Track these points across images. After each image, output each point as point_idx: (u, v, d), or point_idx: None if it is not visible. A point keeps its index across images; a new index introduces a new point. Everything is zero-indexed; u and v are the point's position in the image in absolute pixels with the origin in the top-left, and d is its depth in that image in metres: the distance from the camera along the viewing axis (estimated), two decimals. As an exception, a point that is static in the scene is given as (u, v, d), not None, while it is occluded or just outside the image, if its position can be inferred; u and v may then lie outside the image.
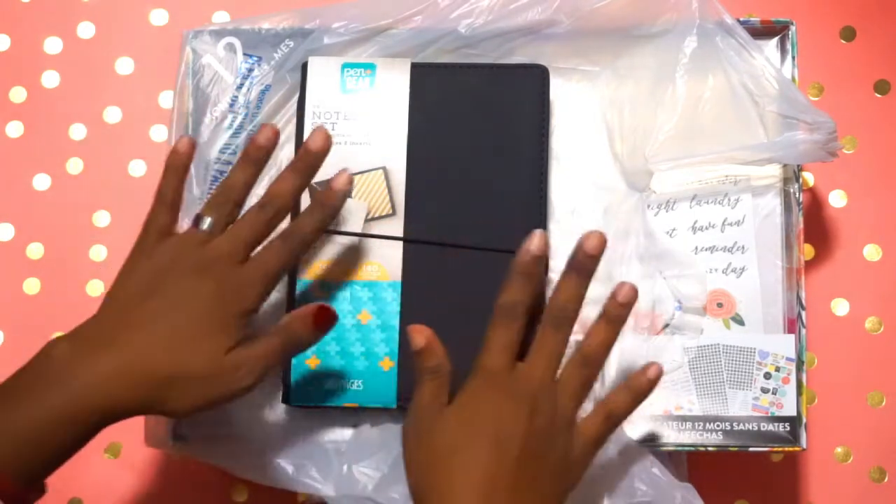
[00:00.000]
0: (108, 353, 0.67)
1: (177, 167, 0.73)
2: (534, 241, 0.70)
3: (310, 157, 0.72)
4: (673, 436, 0.78)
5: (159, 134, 0.92)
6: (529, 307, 0.70)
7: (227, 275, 0.69)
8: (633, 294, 0.70)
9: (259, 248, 0.71)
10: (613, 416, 0.71)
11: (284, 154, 0.84)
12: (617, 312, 0.70)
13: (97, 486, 0.88)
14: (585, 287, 0.70)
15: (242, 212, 0.72)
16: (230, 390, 0.69)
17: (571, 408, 0.69)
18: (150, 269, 0.70)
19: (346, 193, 0.73)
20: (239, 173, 0.72)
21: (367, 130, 0.81)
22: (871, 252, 0.88)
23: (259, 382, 0.70)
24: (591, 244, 0.69)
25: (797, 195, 0.81)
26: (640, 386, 0.71)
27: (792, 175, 0.81)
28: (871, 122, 0.90)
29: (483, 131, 0.81)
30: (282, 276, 0.71)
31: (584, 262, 0.70)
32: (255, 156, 0.73)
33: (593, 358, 0.70)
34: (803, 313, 0.79)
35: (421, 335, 0.69)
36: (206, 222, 0.71)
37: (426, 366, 0.69)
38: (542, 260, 0.70)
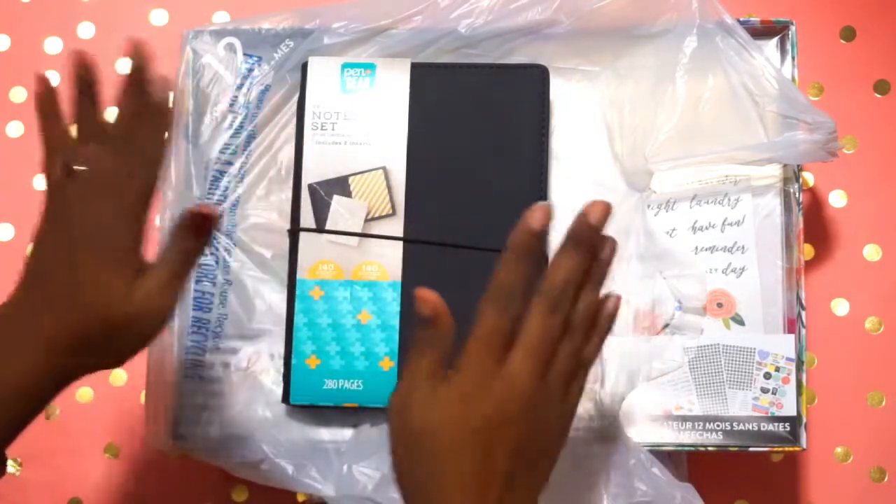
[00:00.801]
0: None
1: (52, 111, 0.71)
2: (535, 215, 0.62)
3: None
4: (673, 436, 0.78)
5: (159, 134, 0.92)
6: (525, 292, 0.63)
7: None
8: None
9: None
10: (585, 364, 0.66)
11: (284, 155, 0.84)
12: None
13: (97, 486, 0.88)
14: (587, 265, 0.63)
15: None
16: (154, 322, 0.67)
17: (564, 392, 0.64)
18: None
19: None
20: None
21: (367, 130, 0.81)
22: (871, 252, 0.88)
23: (174, 305, 0.67)
24: (596, 214, 0.62)
25: (797, 195, 0.81)
26: (601, 324, 0.66)
27: (792, 175, 0.81)
28: (871, 122, 0.90)
29: (483, 131, 0.81)
30: None
31: (587, 235, 0.63)
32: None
33: (582, 331, 0.65)
34: (803, 313, 0.79)
35: (428, 304, 0.62)
36: None
37: (426, 337, 0.63)
38: (544, 236, 0.62)
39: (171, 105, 0.69)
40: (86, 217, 0.66)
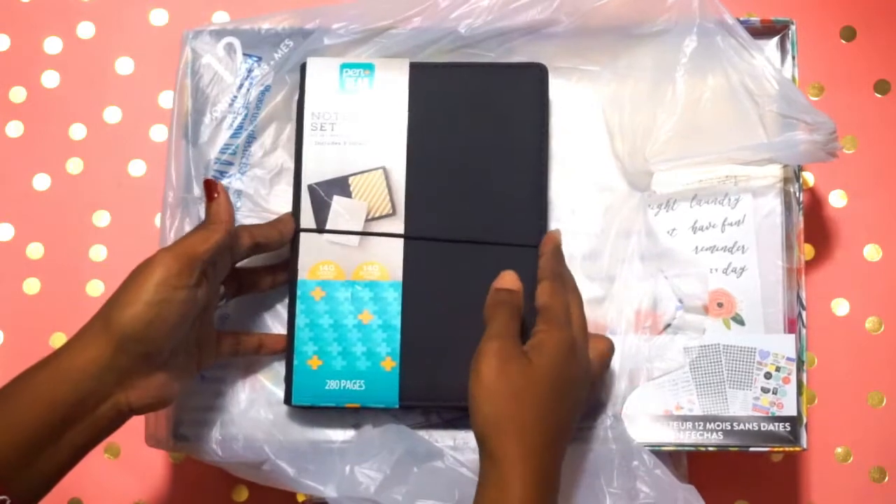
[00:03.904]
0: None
1: None
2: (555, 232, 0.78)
3: None
4: (673, 436, 0.78)
5: (159, 134, 0.92)
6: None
7: None
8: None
9: None
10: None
11: (284, 155, 0.84)
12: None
13: (97, 486, 0.88)
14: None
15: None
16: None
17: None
18: None
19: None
20: None
21: (366, 130, 0.81)
22: (871, 252, 0.89)
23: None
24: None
25: (797, 195, 0.81)
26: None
27: (792, 175, 0.81)
28: (871, 122, 0.90)
29: (483, 131, 0.81)
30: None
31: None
32: None
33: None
34: (803, 313, 0.79)
35: (511, 279, 0.73)
36: None
37: (508, 301, 0.72)
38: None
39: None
40: None
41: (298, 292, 0.80)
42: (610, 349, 0.75)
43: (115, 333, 0.68)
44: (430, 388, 0.78)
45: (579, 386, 0.71)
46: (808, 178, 0.89)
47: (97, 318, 0.69)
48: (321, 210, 0.80)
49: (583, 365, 0.72)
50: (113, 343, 0.68)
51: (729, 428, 0.78)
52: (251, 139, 0.84)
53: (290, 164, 0.83)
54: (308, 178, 0.81)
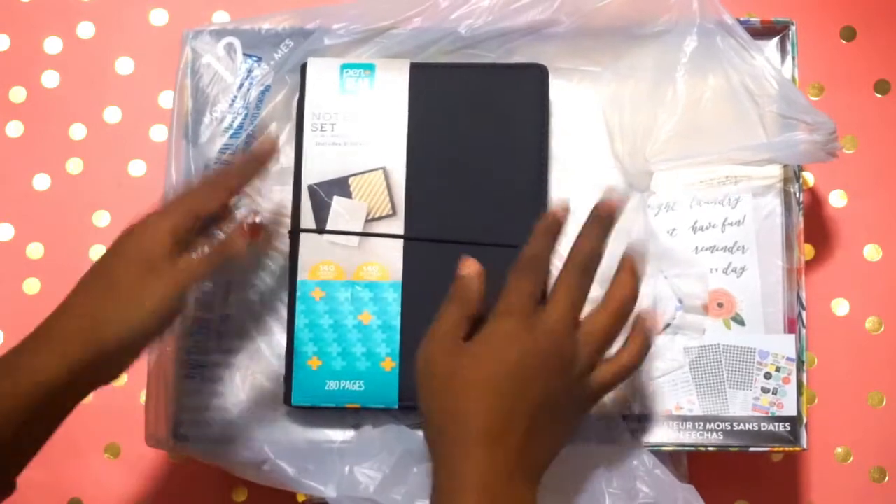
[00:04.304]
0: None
1: None
2: (560, 205, 0.70)
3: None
4: (673, 436, 0.78)
5: (159, 134, 0.93)
6: (549, 262, 0.69)
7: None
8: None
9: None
10: (627, 366, 0.70)
11: (284, 156, 0.84)
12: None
13: (97, 486, 0.88)
14: (606, 239, 0.70)
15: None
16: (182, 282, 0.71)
17: (592, 353, 0.68)
18: None
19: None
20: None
21: (366, 131, 0.81)
22: (871, 252, 0.89)
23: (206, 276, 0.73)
24: (616, 194, 0.70)
25: (797, 195, 0.81)
26: (646, 332, 0.71)
27: (792, 175, 0.81)
28: (871, 122, 0.90)
29: (483, 131, 0.81)
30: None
31: (605, 215, 0.70)
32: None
33: (622, 306, 0.69)
34: (803, 313, 0.79)
35: (470, 267, 0.69)
36: None
37: (459, 294, 0.69)
38: (563, 223, 0.70)
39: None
40: None
41: (298, 293, 0.80)
42: (627, 366, 0.70)
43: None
44: (430, 389, 0.78)
45: (540, 380, 0.66)
46: (808, 178, 0.89)
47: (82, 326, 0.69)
48: (321, 210, 0.80)
49: (551, 360, 0.66)
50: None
51: (729, 428, 0.78)
52: (251, 139, 0.84)
53: (290, 165, 0.83)
54: (308, 179, 0.81)
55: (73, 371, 0.67)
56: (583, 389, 0.69)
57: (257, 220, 0.75)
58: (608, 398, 0.78)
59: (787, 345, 0.79)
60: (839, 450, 0.86)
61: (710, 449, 0.78)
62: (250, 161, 0.76)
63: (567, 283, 0.69)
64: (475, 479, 0.63)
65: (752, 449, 0.78)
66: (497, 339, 0.67)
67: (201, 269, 0.71)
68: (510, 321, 0.67)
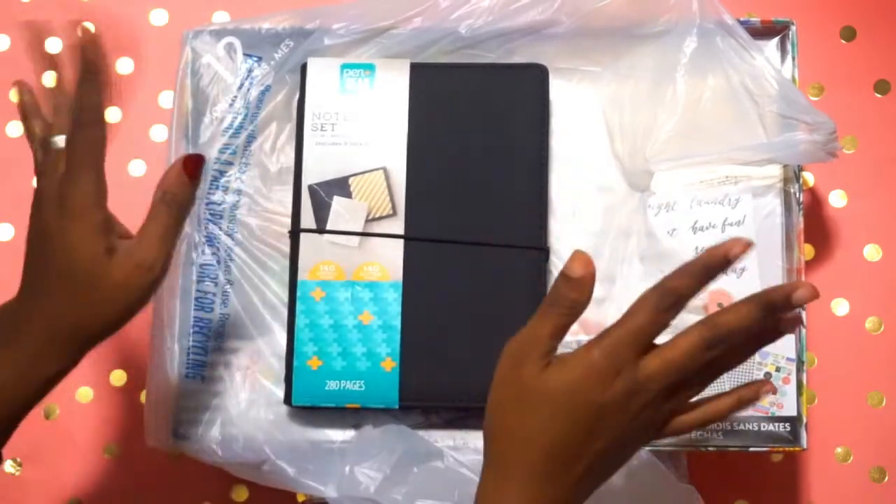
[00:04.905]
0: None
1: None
2: (734, 250, 0.60)
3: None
4: (673, 436, 0.78)
5: (159, 134, 0.92)
6: (685, 304, 0.61)
7: None
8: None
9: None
10: (705, 421, 0.65)
11: (284, 156, 0.84)
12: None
13: (97, 486, 0.88)
14: (757, 328, 0.63)
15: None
16: (146, 280, 0.69)
17: (668, 417, 0.63)
18: None
19: None
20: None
21: (366, 131, 0.81)
22: (871, 252, 0.89)
23: (168, 259, 0.70)
24: (803, 297, 0.61)
25: (797, 195, 0.81)
26: (741, 397, 0.65)
27: (792, 175, 0.81)
28: (871, 122, 0.90)
29: (483, 131, 0.81)
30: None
31: (778, 302, 0.62)
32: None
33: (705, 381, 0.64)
34: (803, 313, 0.79)
35: (582, 264, 0.60)
36: None
37: (564, 298, 0.60)
38: (727, 267, 0.61)
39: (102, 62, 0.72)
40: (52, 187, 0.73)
41: (298, 293, 0.80)
42: (706, 421, 0.64)
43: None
44: (429, 389, 0.78)
45: (610, 423, 0.61)
46: (808, 178, 0.89)
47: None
48: (321, 210, 0.80)
49: (630, 408, 0.61)
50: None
51: (729, 428, 0.78)
52: (251, 139, 0.84)
53: (291, 165, 0.83)
54: (308, 179, 0.81)
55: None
56: (654, 431, 0.64)
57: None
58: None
59: (786, 345, 0.79)
60: (839, 450, 0.86)
61: (710, 449, 0.78)
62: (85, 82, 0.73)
63: (689, 342, 0.61)
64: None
65: (752, 449, 0.78)
66: (602, 362, 0.60)
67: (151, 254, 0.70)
68: (618, 349, 0.60)
